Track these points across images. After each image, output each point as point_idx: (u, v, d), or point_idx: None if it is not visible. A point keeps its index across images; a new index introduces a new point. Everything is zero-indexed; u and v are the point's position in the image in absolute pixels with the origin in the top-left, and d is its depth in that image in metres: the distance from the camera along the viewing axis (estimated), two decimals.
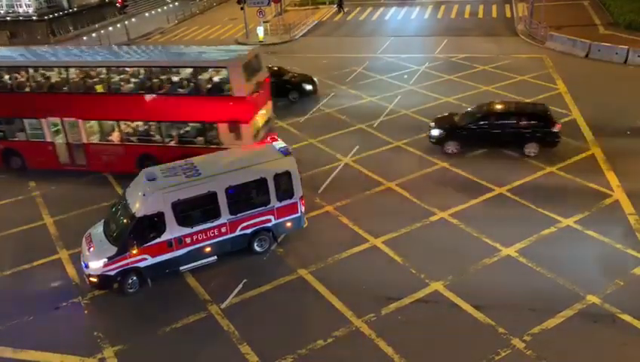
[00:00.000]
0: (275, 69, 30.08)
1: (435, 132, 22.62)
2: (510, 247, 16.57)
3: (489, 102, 23.38)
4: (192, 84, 20.37)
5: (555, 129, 21.42)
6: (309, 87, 30.01)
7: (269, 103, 22.46)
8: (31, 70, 21.70)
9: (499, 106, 22.89)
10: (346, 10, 52.63)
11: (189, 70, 20.40)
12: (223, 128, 20.06)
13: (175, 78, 20.69)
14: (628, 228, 17.22)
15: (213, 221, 15.85)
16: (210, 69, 20.32)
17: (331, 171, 21.92)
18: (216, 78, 20.27)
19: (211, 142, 20.33)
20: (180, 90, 20.48)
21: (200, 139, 20.63)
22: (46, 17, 49.84)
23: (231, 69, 19.50)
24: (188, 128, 20.94)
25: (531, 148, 21.69)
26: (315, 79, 30.65)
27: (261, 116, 21.28)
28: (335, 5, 53.24)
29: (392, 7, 54.08)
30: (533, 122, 21.54)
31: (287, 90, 29.54)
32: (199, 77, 20.36)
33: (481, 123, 21.96)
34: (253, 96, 20.28)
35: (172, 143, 20.90)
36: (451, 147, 22.39)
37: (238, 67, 19.52)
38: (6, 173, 23.54)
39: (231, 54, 20.94)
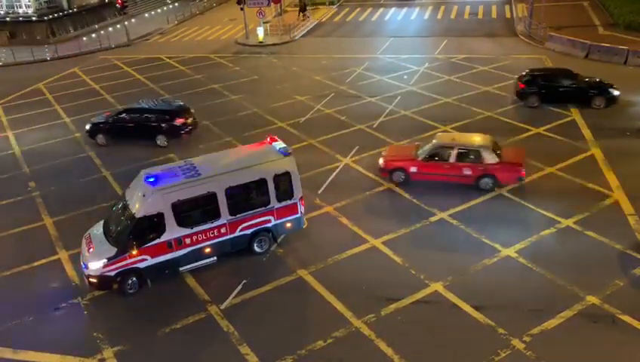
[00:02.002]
0: (568, 71, 27.62)
1: (87, 126, 25.85)
2: (510, 248, 16.57)
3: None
4: None
5: (177, 123, 24.77)
6: (616, 92, 26.34)
7: None
8: None
9: (134, 106, 26.12)
10: (308, 15, 50.04)
11: None
12: None
13: None
14: (627, 229, 17.22)
15: (212, 221, 15.85)
16: None
17: (331, 172, 21.93)
18: None
19: None
20: None
21: None
22: (46, 18, 49.83)
23: None
24: None
25: (161, 140, 24.97)
26: (612, 83, 27.09)
27: None
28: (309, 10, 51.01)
29: (391, 8, 54.09)
30: (160, 117, 24.86)
31: (590, 97, 26.38)
32: None
33: (119, 118, 25.31)
34: None
35: None
36: (100, 140, 25.63)
37: None
38: (6, 173, 23.58)
39: None
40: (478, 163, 19.18)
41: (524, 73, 27.99)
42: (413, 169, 19.88)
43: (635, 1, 42.37)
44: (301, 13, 49.62)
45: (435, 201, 19.21)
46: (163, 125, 24.74)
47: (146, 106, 25.72)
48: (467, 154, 19.34)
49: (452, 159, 19.38)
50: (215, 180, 15.75)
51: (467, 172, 19.30)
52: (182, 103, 26.58)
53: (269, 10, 47.81)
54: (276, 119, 27.68)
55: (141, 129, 25.02)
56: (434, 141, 20.18)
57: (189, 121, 25.35)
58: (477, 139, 20.09)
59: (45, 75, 38.52)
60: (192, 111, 26.20)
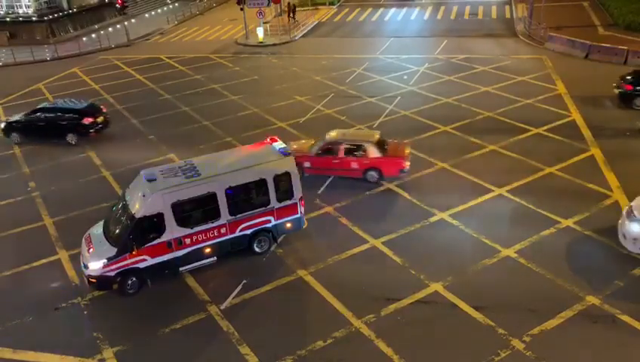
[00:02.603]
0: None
1: (1, 125, 26.99)
2: (510, 248, 16.57)
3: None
4: None
5: (85, 122, 25.76)
6: None
7: None
8: None
9: (47, 105, 27.02)
10: (296, 19, 48.47)
11: None
12: None
13: None
14: None
15: (212, 222, 15.84)
16: None
17: None
18: None
19: None
20: None
21: None
22: (46, 18, 49.83)
23: None
24: None
25: (71, 138, 26.01)
26: None
27: None
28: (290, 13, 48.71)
29: (391, 8, 54.12)
30: (68, 115, 25.85)
31: None
32: None
33: (32, 117, 26.25)
34: None
35: None
36: (14, 138, 26.59)
37: None
38: (6, 173, 23.58)
39: None
40: (364, 157, 20.33)
41: (630, 74, 26.75)
42: (307, 164, 20.98)
43: (635, 2, 42.41)
44: (289, 18, 48.65)
45: (435, 201, 19.22)
46: (72, 124, 25.72)
47: (58, 105, 26.61)
48: (354, 150, 20.51)
49: (340, 154, 20.53)
50: (215, 180, 15.74)
51: (354, 166, 20.57)
52: (92, 102, 27.46)
53: (269, 10, 47.80)
54: (276, 119, 27.69)
55: (52, 127, 25.93)
56: (326, 137, 21.25)
57: (99, 119, 26.25)
58: (363, 135, 21.70)
59: (45, 76, 38.53)
60: (104, 110, 27.15)
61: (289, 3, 48.97)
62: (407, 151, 20.79)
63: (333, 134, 21.38)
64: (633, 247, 15.77)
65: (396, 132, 25.11)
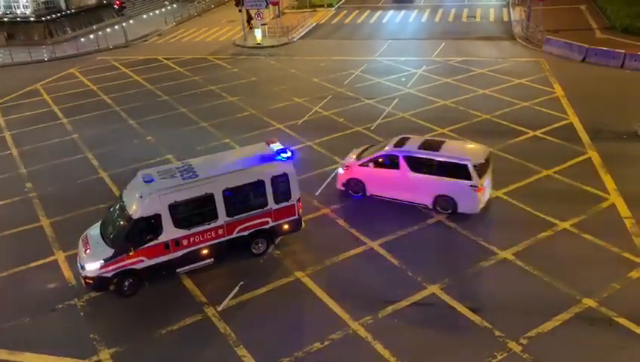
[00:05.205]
0: None
1: None
2: (507, 250, 16.59)
3: None
4: None
5: None
6: None
7: None
8: None
9: None
10: (252, 26, 46.95)
11: None
12: None
13: None
14: (624, 232, 17.25)
15: (210, 223, 15.82)
16: None
17: (329, 173, 21.92)
18: None
19: None
20: None
21: None
22: (44, 19, 49.83)
23: None
24: None
25: None
26: None
27: None
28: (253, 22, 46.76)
29: (389, 10, 54.22)
30: None
31: None
32: None
33: None
34: None
35: None
36: None
37: None
38: (4, 173, 23.54)
39: None
40: None
41: None
42: None
43: (632, 5, 42.60)
44: (247, 24, 47.31)
45: None
46: None
47: None
48: None
49: None
50: (212, 182, 15.72)
51: None
52: None
53: (267, 12, 47.81)
54: (274, 121, 27.69)
55: None
56: None
57: None
58: None
59: (43, 76, 38.49)
60: None
61: (247, 11, 47.72)
62: None
63: None
64: (338, 185, 19.61)
65: (395, 134, 25.09)
